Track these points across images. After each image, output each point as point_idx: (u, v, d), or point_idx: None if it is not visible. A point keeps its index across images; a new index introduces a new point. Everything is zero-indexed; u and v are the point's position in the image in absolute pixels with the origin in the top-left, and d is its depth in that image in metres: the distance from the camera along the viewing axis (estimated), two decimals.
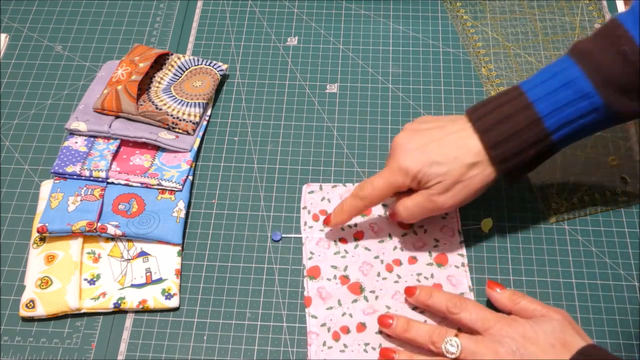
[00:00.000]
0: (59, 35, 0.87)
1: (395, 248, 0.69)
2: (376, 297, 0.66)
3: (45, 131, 0.79)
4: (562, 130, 0.59)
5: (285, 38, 0.86)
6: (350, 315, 0.65)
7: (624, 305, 0.65)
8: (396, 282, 0.66)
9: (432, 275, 0.67)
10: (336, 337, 0.64)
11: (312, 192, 0.72)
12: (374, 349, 0.63)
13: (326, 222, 0.68)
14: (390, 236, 0.69)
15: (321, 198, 0.72)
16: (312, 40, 0.85)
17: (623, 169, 0.73)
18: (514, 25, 0.85)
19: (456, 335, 0.58)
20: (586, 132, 0.61)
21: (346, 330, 0.64)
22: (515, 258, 0.68)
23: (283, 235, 0.67)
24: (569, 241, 0.69)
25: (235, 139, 0.78)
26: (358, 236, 0.69)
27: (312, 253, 0.68)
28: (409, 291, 0.64)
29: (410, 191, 0.64)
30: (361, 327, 0.64)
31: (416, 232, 0.69)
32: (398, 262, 0.68)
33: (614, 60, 0.57)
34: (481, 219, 0.70)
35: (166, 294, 0.66)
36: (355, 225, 0.70)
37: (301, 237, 0.70)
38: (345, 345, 0.63)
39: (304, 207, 0.71)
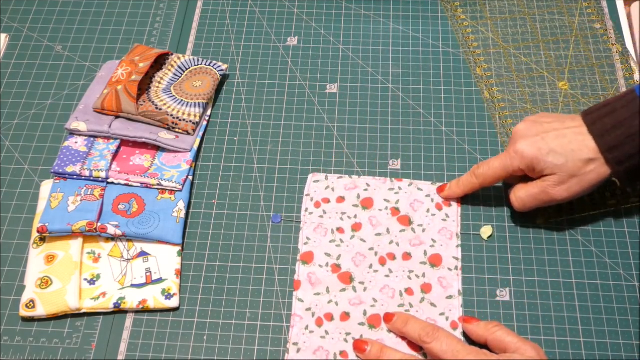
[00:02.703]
0: (59, 35, 0.87)
1: (391, 242, 0.69)
2: (364, 289, 0.66)
3: (45, 131, 0.79)
4: None
5: (285, 38, 0.86)
6: (336, 304, 0.65)
7: (624, 305, 0.65)
8: (387, 276, 0.67)
9: (423, 275, 0.67)
10: (319, 323, 0.64)
11: (317, 181, 0.72)
12: (353, 338, 0.63)
13: (440, 190, 0.71)
14: (388, 231, 0.70)
15: (325, 187, 0.72)
16: (312, 40, 0.85)
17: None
18: (512, 25, 0.85)
19: None
20: None
21: (330, 317, 0.65)
22: (516, 258, 0.68)
23: (284, 218, 0.68)
24: (569, 241, 0.69)
25: (235, 139, 0.78)
26: (356, 227, 0.70)
27: (308, 238, 0.69)
28: (387, 317, 0.64)
29: (524, 179, 0.67)
30: (345, 316, 0.65)
31: (414, 230, 0.70)
32: (392, 257, 0.68)
33: None
34: (482, 226, 0.70)
35: (166, 294, 0.66)
36: (355, 216, 0.70)
37: (294, 237, 0.70)
38: (326, 332, 0.64)
39: (307, 194, 0.72)
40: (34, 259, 0.68)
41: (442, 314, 0.65)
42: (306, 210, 0.71)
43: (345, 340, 0.64)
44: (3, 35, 0.87)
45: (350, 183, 0.72)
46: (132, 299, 0.66)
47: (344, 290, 0.66)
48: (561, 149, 0.63)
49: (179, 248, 0.69)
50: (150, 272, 0.68)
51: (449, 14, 0.87)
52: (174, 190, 0.72)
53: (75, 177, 0.72)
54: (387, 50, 0.84)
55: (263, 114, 0.79)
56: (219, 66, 0.80)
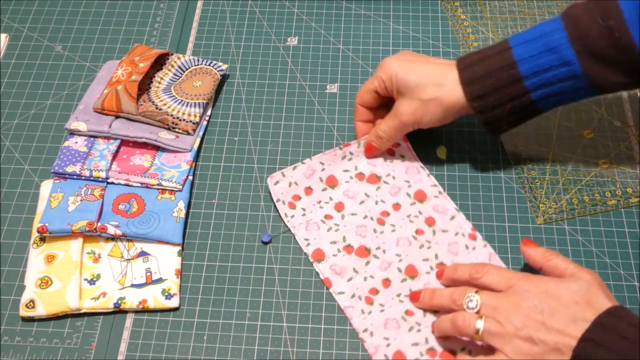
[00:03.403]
0: (59, 35, 0.87)
1: (377, 202, 0.71)
2: (384, 251, 0.68)
3: (45, 131, 0.79)
4: (541, 90, 0.63)
5: (285, 38, 0.86)
6: (372, 277, 0.67)
7: (623, 305, 0.65)
8: (393, 231, 0.69)
9: (419, 212, 0.70)
10: (369, 302, 0.65)
11: (277, 182, 0.72)
12: (406, 296, 0.65)
13: (367, 152, 0.73)
14: (366, 194, 0.71)
15: (288, 184, 0.72)
16: (312, 40, 0.85)
17: (615, 172, 0.73)
18: (513, 25, 0.85)
19: (477, 292, 0.59)
20: (567, 96, 0.64)
21: (375, 291, 0.66)
22: (516, 258, 0.68)
23: (272, 235, 0.68)
24: (569, 241, 0.69)
25: (235, 139, 0.78)
26: (339, 207, 0.71)
27: (306, 239, 0.69)
28: (414, 297, 0.65)
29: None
30: (386, 282, 0.66)
31: (387, 182, 0.72)
32: (386, 214, 0.70)
33: (600, 32, 0.59)
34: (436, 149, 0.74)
35: (166, 294, 0.66)
36: (331, 199, 0.71)
37: (293, 237, 0.70)
38: (381, 305, 0.65)
39: (277, 200, 0.71)
40: (34, 259, 0.68)
41: (456, 234, 0.69)
42: (285, 215, 0.71)
43: (401, 301, 0.65)
44: (3, 35, 0.87)
45: (307, 169, 0.73)
46: (132, 299, 0.66)
47: (368, 263, 0.67)
48: (419, 71, 0.67)
49: (179, 248, 0.69)
50: (150, 272, 0.68)
51: (449, 14, 0.87)
52: (174, 190, 0.72)
53: (75, 177, 0.72)
54: (387, 50, 0.84)
55: (263, 114, 0.79)
56: (219, 66, 0.80)
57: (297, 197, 0.72)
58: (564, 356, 0.54)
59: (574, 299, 0.56)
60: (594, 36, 0.59)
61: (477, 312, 0.58)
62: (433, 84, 0.66)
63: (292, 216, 0.71)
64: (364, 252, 0.68)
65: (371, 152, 0.73)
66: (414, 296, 0.65)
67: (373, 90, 0.71)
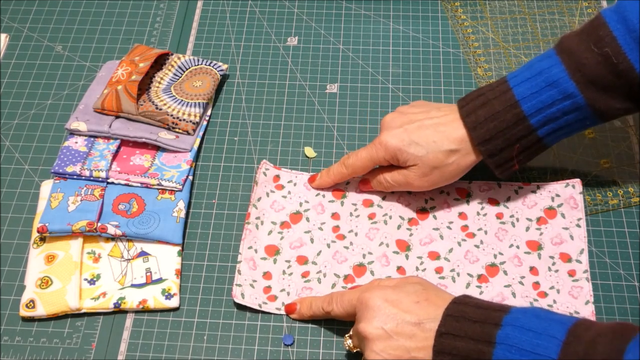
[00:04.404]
0: (59, 35, 0.87)
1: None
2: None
3: (45, 131, 0.79)
4: (547, 126, 0.62)
5: (285, 38, 0.86)
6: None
7: (624, 305, 0.65)
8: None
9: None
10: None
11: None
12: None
13: (311, 181, 0.72)
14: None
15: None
16: (312, 40, 0.85)
17: (616, 172, 0.73)
18: (513, 25, 0.85)
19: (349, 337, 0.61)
20: (573, 128, 0.63)
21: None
22: None
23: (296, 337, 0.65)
24: None
25: (235, 139, 0.78)
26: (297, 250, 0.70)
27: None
28: (290, 308, 0.65)
29: (390, 167, 0.68)
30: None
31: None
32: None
33: (597, 61, 0.59)
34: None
35: (166, 294, 0.66)
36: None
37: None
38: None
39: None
40: (34, 259, 0.68)
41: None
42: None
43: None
44: (3, 35, 0.87)
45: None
46: (132, 299, 0.66)
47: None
48: (422, 140, 0.64)
49: (179, 248, 0.69)
50: (150, 272, 0.68)
51: (449, 14, 0.87)
52: (174, 190, 0.72)
53: (75, 177, 0.72)
54: (387, 50, 0.84)
55: (263, 114, 0.79)
56: (219, 66, 0.80)
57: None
58: (427, 356, 0.54)
59: (412, 300, 0.56)
60: (592, 65, 0.59)
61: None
62: (444, 152, 0.64)
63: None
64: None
65: (366, 187, 0.72)
66: (291, 309, 0.65)
67: (372, 165, 0.69)
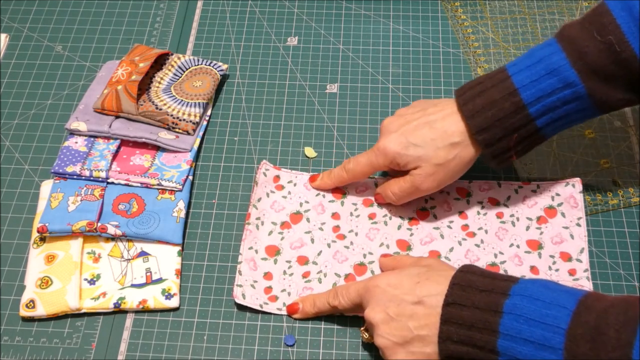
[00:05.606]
0: (59, 35, 0.87)
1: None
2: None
3: (45, 131, 0.79)
4: (546, 115, 0.61)
5: (285, 38, 0.86)
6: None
7: None
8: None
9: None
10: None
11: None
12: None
13: (311, 180, 0.72)
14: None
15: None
16: (312, 40, 0.85)
17: (616, 172, 0.73)
18: (513, 25, 0.85)
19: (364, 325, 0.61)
20: (572, 119, 0.62)
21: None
22: None
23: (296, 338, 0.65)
24: None
25: (235, 139, 0.78)
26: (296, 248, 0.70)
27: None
28: (292, 308, 0.65)
29: (396, 176, 0.68)
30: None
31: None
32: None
33: (599, 49, 0.58)
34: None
35: (166, 294, 0.66)
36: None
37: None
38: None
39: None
40: (34, 259, 0.68)
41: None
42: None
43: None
44: (3, 35, 0.87)
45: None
46: (132, 299, 0.66)
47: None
48: (420, 140, 0.64)
49: (179, 248, 0.69)
50: (150, 272, 0.68)
51: (449, 14, 0.87)
52: (174, 190, 0.72)
53: (75, 177, 0.72)
54: (387, 50, 0.84)
55: (263, 114, 0.79)
56: (219, 66, 0.80)
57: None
58: (432, 331, 0.54)
59: (413, 280, 0.57)
60: (594, 54, 0.58)
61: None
62: (444, 148, 0.63)
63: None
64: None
65: (379, 200, 0.71)
66: (293, 308, 0.65)
67: (372, 171, 0.68)
